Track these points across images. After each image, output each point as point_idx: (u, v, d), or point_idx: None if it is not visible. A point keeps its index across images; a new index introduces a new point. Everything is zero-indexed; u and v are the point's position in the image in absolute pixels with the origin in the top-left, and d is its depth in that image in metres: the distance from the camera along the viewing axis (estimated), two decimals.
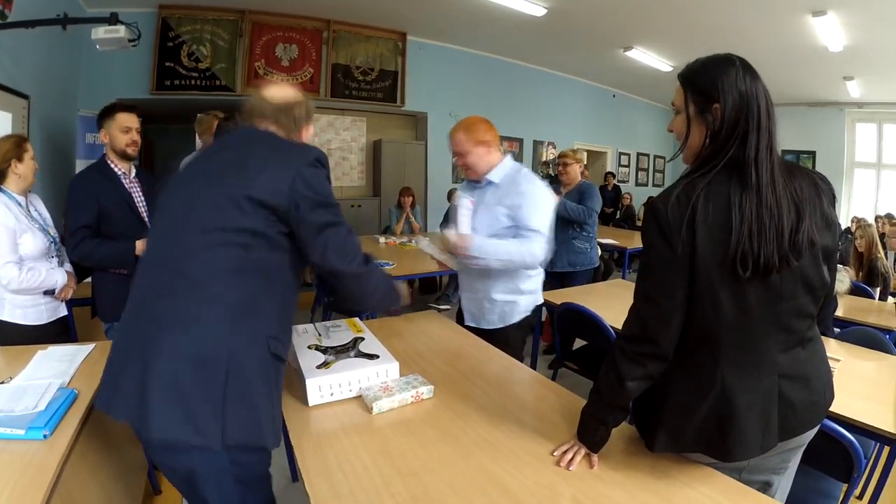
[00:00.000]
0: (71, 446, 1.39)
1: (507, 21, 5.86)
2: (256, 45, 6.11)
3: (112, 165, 2.38)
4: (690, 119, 1.11)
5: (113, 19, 3.10)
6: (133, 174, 2.47)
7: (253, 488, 1.28)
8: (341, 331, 1.98)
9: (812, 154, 9.38)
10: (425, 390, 1.58)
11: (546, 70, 8.30)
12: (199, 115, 3.53)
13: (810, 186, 1.07)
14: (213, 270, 1.21)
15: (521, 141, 8.49)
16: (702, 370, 1.10)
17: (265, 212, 1.23)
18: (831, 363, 1.81)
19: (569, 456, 1.23)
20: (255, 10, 6.00)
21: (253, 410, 1.19)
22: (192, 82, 5.84)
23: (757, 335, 1.06)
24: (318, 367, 1.63)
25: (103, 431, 1.71)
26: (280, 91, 1.47)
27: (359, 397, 1.57)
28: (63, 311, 2.30)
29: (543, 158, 8.87)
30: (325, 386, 1.55)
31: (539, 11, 5.46)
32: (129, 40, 3.15)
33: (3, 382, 1.63)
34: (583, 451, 1.24)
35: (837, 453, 1.42)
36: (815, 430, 1.18)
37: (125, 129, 2.38)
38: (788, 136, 9.50)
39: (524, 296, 2.25)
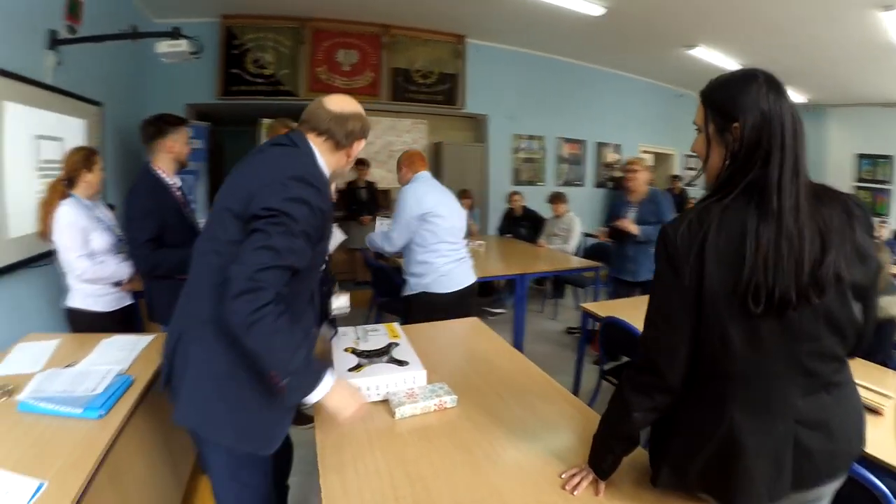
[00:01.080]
0: (122, 427, 1.54)
1: (564, 21, 5.75)
2: (318, 52, 6.32)
3: (163, 177, 2.50)
4: (710, 139, 1.05)
5: (175, 34, 3.27)
6: (179, 183, 2.63)
7: (242, 480, 1.45)
8: (379, 335, 2.05)
9: (889, 158, 8.61)
10: (449, 399, 1.61)
11: (607, 69, 8.05)
12: (268, 120, 3.73)
13: (841, 214, 0.97)
14: (202, 278, 1.35)
15: (583, 143, 8.29)
16: (710, 407, 1.04)
17: (239, 222, 1.28)
18: (882, 400, 1.71)
19: (575, 480, 1.21)
20: (314, 17, 6.21)
21: (219, 409, 1.32)
22: (258, 88, 6.13)
23: (771, 376, 0.98)
24: (350, 369, 1.71)
25: (156, 415, 1.87)
26: (341, 102, 1.49)
27: (385, 401, 1.62)
28: (128, 301, 2.53)
29: (607, 161, 8.66)
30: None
31: (597, 11, 5.34)
32: (192, 53, 3.32)
33: (68, 366, 1.81)
34: (591, 476, 1.22)
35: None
36: (839, 482, 1.08)
37: (188, 141, 2.59)
38: (860, 140, 8.86)
39: (412, 277, 2.91)
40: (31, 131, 3.00)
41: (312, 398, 1.23)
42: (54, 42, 3.29)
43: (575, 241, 5.48)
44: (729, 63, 6.80)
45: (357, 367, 1.73)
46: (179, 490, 2.16)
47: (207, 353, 1.30)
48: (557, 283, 5.81)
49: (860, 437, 1.07)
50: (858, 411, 1.08)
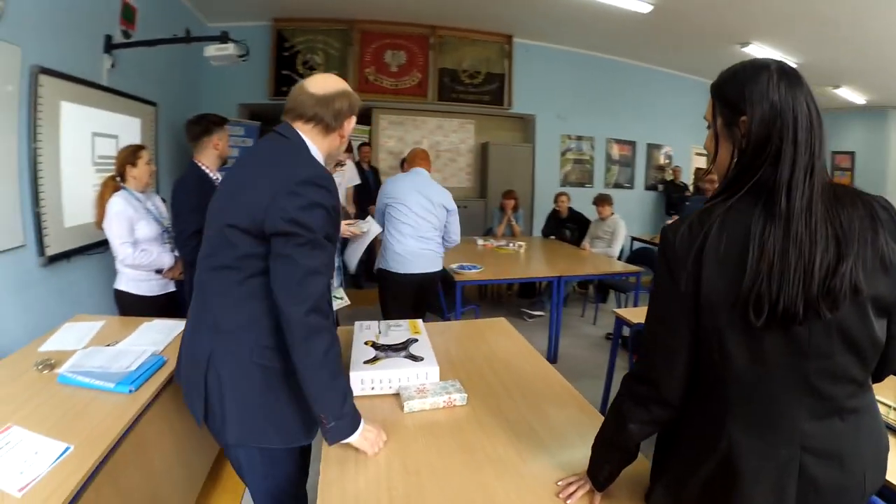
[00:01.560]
0: (150, 402, 1.65)
1: (612, 18, 5.64)
2: (366, 53, 6.47)
3: (208, 172, 2.67)
4: (718, 134, 0.97)
5: (224, 38, 3.43)
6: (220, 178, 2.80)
7: (276, 477, 1.46)
8: (400, 330, 2.08)
9: None
10: (459, 397, 1.62)
11: (657, 68, 7.81)
12: None
13: (864, 218, 0.85)
14: (223, 294, 1.34)
15: (633, 144, 8.08)
16: (709, 424, 0.95)
17: (248, 237, 1.26)
18: None
19: (571, 489, 1.18)
20: (362, 19, 6.36)
21: (262, 417, 1.34)
22: None
23: (773, 394, 0.89)
24: (366, 361, 1.74)
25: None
26: (323, 82, 1.41)
27: (397, 394, 1.65)
28: (171, 288, 2.72)
29: (660, 163, 8.41)
30: (367, 380, 1.66)
31: (645, 8, 5.21)
32: (239, 56, 3.47)
33: (108, 345, 1.95)
34: (587, 487, 1.18)
35: None
36: None
37: (228, 139, 2.78)
38: None
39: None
40: (87, 129, 3.24)
41: (348, 440, 1.31)
42: (109, 46, 3.51)
43: (619, 244, 5.35)
44: (785, 61, 6.47)
45: (373, 360, 1.76)
46: (203, 471, 2.28)
47: (242, 366, 1.30)
48: (601, 288, 5.70)
49: (880, 471, 0.96)
50: (879, 442, 0.96)
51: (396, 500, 1.15)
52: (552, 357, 4.23)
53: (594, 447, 1.16)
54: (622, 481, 1.18)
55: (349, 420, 1.30)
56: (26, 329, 2.56)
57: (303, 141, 1.39)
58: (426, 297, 3.37)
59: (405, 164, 3.53)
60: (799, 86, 0.88)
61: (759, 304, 0.83)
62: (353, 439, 1.31)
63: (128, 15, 3.83)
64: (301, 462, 1.56)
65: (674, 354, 0.96)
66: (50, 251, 2.90)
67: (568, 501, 1.16)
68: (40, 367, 1.76)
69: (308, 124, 1.39)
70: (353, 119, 1.45)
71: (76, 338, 2.05)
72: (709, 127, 1.00)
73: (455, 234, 3.35)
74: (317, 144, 1.41)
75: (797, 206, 0.83)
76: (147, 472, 1.70)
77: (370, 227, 2.86)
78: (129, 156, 2.55)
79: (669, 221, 3.62)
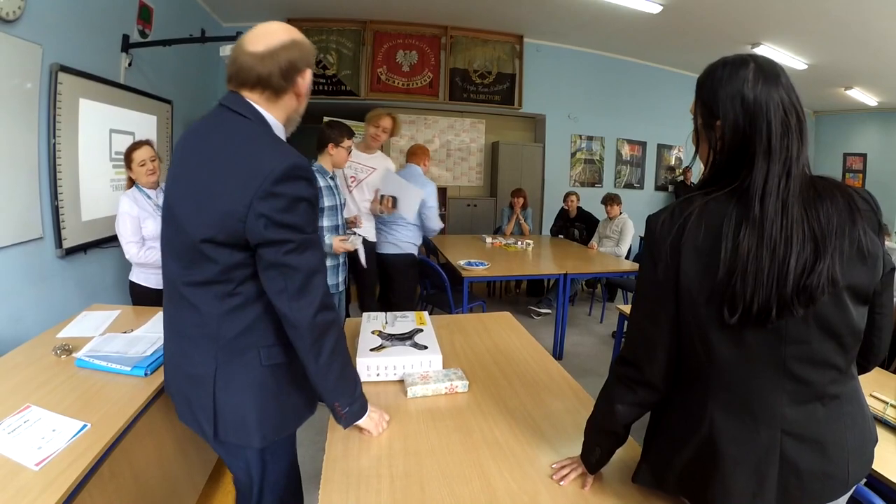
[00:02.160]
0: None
1: (622, 18, 5.66)
2: (378, 53, 6.55)
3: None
4: (698, 132, 0.97)
5: (238, 38, 3.50)
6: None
7: (274, 471, 1.44)
8: (406, 321, 2.13)
9: None
10: (460, 384, 1.66)
11: (668, 69, 7.80)
12: (329, 119, 4.03)
13: (843, 211, 0.85)
14: (211, 308, 1.21)
15: (643, 144, 8.07)
16: (691, 407, 0.97)
17: (228, 248, 1.15)
18: None
19: (564, 472, 1.21)
20: (375, 19, 6.43)
21: (266, 414, 1.30)
22: (320, 88, 6.43)
23: (753, 378, 0.90)
24: (372, 349, 1.79)
25: None
26: (264, 35, 1.18)
27: (401, 381, 1.69)
28: None
29: (670, 163, 8.38)
30: (373, 367, 1.71)
31: (655, 8, 5.23)
32: None
33: (125, 332, 2.01)
34: (580, 469, 1.20)
35: None
36: None
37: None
38: None
39: None
40: (104, 125, 3.33)
41: (359, 422, 1.35)
42: (127, 45, 3.60)
43: (627, 243, 5.36)
44: (796, 62, 6.43)
45: (379, 348, 1.80)
46: (213, 454, 2.34)
47: (254, 373, 1.25)
48: (609, 286, 5.71)
49: (864, 460, 0.96)
50: (864, 430, 0.96)
51: (396, 478, 1.19)
52: (558, 354, 4.26)
53: (586, 431, 1.19)
54: (614, 465, 1.22)
55: (361, 403, 1.34)
56: (44, 318, 2.65)
57: (260, 115, 1.19)
58: (392, 277, 3.82)
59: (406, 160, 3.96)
60: (776, 86, 0.86)
61: (732, 303, 0.85)
62: (363, 421, 1.35)
63: (145, 15, 3.93)
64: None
65: (655, 339, 0.97)
66: (67, 244, 3.00)
67: (561, 483, 1.19)
68: (58, 351, 1.83)
69: (254, 91, 1.19)
70: (309, 72, 1.23)
71: (93, 325, 2.12)
72: (694, 120, 1.00)
73: (430, 222, 3.70)
74: (273, 114, 1.22)
75: (770, 210, 0.84)
76: (159, 452, 1.76)
77: (358, 243, 2.96)
78: (125, 159, 2.62)
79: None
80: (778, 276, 0.83)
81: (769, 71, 0.88)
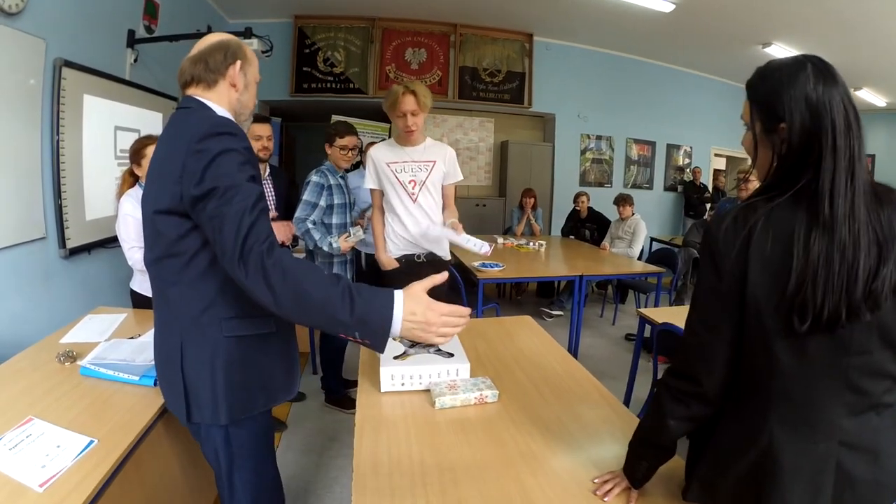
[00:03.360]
0: None
1: (633, 17, 5.61)
2: (387, 50, 6.48)
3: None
4: (756, 138, 0.95)
5: (247, 33, 3.44)
6: (267, 173, 2.83)
7: (242, 455, 1.36)
8: None
9: None
10: (490, 394, 1.58)
11: (679, 68, 7.71)
12: (337, 117, 3.91)
13: None
14: (174, 283, 1.24)
15: (653, 144, 7.97)
16: (749, 421, 0.95)
17: (175, 217, 1.17)
18: None
19: (607, 487, 1.16)
20: (384, 17, 6.37)
21: (245, 386, 1.29)
22: (328, 85, 6.36)
23: (815, 391, 0.89)
24: (396, 357, 1.70)
25: None
26: (198, 45, 1.35)
27: (428, 391, 1.61)
28: None
29: (679, 163, 8.29)
30: (398, 376, 1.63)
31: (667, 7, 5.18)
32: (263, 52, 3.47)
33: (132, 338, 1.91)
34: (624, 484, 1.16)
35: None
36: None
37: (256, 138, 2.75)
38: None
39: None
40: (109, 122, 3.25)
41: (398, 336, 1.05)
42: (132, 41, 3.52)
43: (639, 244, 5.28)
44: (820, 57, 6.37)
45: (403, 355, 1.72)
46: None
47: (218, 345, 1.23)
48: (620, 288, 5.62)
49: None
50: None
51: (433, 496, 1.11)
52: (573, 356, 4.15)
53: (631, 444, 1.15)
54: (657, 479, 1.15)
55: (375, 317, 1.02)
56: (47, 320, 2.56)
57: (201, 103, 1.29)
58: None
59: None
60: (835, 85, 0.86)
61: (803, 310, 0.83)
62: (398, 331, 1.03)
63: (150, 10, 3.86)
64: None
65: (715, 350, 0.95)
66: (71, 244, 2.91)
67: (605, 499, 1.14)
68: (62, 358, 1.73)
69: (191, 87, 1.31)
70: (239, 63, 1.32)
71: (98, 330, 2.02)
72: (746, 126, 0.98)
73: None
74: (213, 100, 1.30)
75: (840, 212, 0.83)
76: (170, 466, 1.66)
77: (358, 232, 2.86)
78: (133, 154, 2.39)
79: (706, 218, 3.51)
80: (848, 281, 0.82)
81: (827, 71, 0.88)
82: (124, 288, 2.51)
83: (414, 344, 1.81)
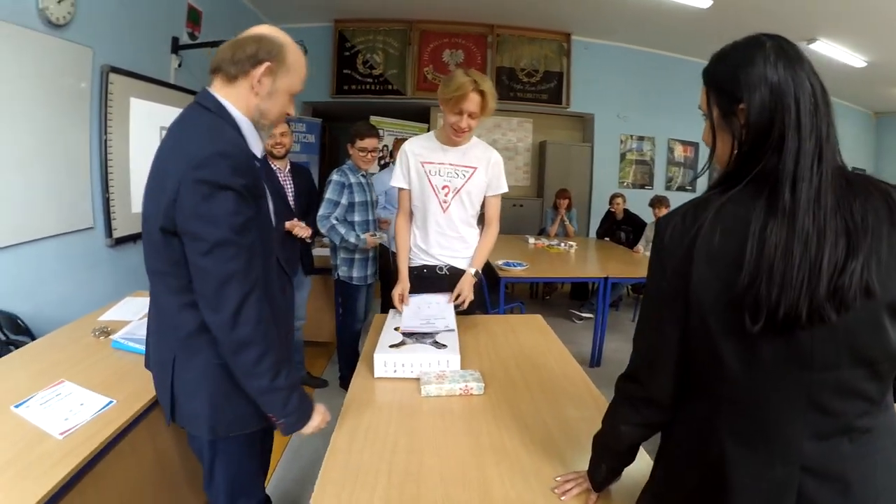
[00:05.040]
0: None
1: (672, 14, 5.50)
2: (424, 52, 6.62)
3: (270, 162, 2.89)
4: (714, 125, 0.88)
5: None
6: (287, 169, 2.98)
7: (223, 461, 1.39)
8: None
9: None
10: (476, 386, 1.63)
11: None
12: (376, 118, 4.07)
13: (881, 209, 0.76)
14: (169, 298, 1.23)
15: (696, 145, 7.75)
16: (698, 431, 0.88)
17: (173, 239, 1.14)
18: None
19: (568, 486, 1.15)
20: (422, 19, 6.49)
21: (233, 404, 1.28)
22: (367, 87, 6.56)
23: (770, 406, 0.80)
24: (392, 346, 1.80)
25: None
26: (248, 30, 1.24)
27: (417, 379, 1.68)
28: None
29: None
30: (390, 363, 1.72)
31: (705, 3, 5.08)
32: None
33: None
34: (585, 485, 1.14)
35: None
36: None
37: (269, 135, 2.93)
38: None
39: None
40: (155, 123, 3.51)
41: (301, 431, 1.31)
42: (176, 47, 3.76)
43: None
44: (854, 59, 6.04)
45: (399, 345, 1.81)
46: None
47: (207, 369, 1.23)
48: None
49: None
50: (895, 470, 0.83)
51: (394, 475, 1.19)
52: (596, 360, 4.15)
53: (593, 446, 1.12)
54: (621, 484, 1.15)
55: (296, 416, 1.27)
56: (90, 302, 2.77)
57: (219, 103, 1.21)
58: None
59: None
60: (799, 63, 0.79)
61: (756, 308, 0.75)
62: (306, 431, 1.31)
63: (193, 17, 4.10)
64: (261, 449, 1.57)
65: (660, 353, 0.90)
66: (117, 234, 3.18)
67: (563, 497, 1.13)
68: (97, 333, 1.93)
69: (215, 77, 1.23)
70: (268, 66, 1.20)
71: (133, 310, 2.22)
72: (704, 116, 0.92)
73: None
74: (231, 101, 1.22)
75: (803, 197, 0.74)
76: (180, 433, 1.81)
77: (383, 234, 3.04)
78: None
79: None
80: (810, 275, 0.73)
81: (790, 49, 0.81)
82: None
83: (412, 334, 1.90)
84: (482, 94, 2.02)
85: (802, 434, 0.79)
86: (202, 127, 1.16)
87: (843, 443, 0.79)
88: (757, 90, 0.79)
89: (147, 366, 1.42)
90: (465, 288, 2.18)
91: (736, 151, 0.84)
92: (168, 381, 1.26)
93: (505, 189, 2.33)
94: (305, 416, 1.30)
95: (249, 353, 1.15)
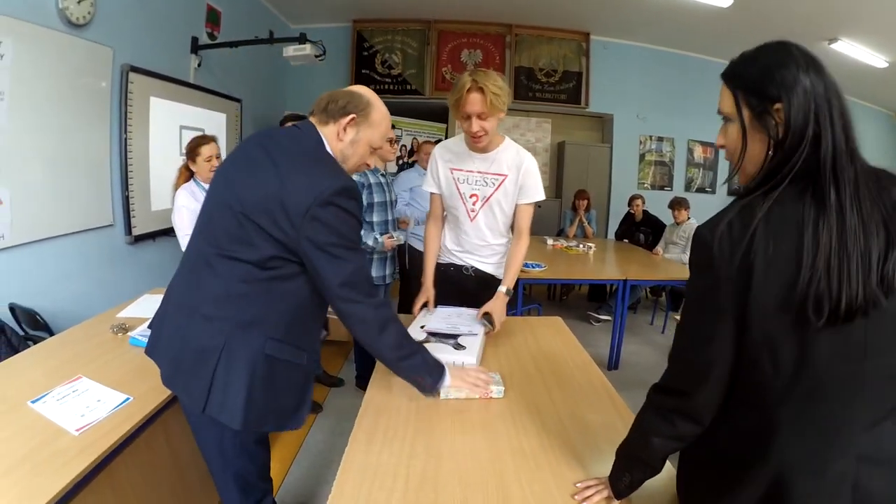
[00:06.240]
0: None
1: (692, 14, 5.43)
2: (443, 52, 6.62)
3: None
4: (746, 127, 0.87)
5: (302, 39, 3.61)
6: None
7: (237, 454, 1.44)
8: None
9: None
10: (496, 390, 1.60)
11: None
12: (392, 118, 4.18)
13: None
14: (229, 285, 1.29)
15: (716, 147, 7.62)
16: (752, 441, 0.86)
17: (277, 245, 1.25)
18: None
19: (588, 493, 1.12)
20: (440, 19, 6.50)
21: (266, 402, 1.32)
22: (386, 87, 6.57)
23: (831, 401, 0.81)
24: None
25: None
26: (346, 88, 1.45)
27: None
28: None
29: None
30: None
31: (726, 2, 5.00)
32: (316, 56, 3.62)
33: None
34: (606, 492, 1.11)
35: None
36: None
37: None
38: None
39: None
40: (175, 122, 3.55)
41: (446, 385, 1.52)
42: (196, 47, 3.79)
43: None
44: (876, 59, 5.90)
45: (422, 343, 1.78)
46: None
47: (255, 358, 1.28)
48: (673, 296, 5.44)
49: None
50: None
51: (412, 478, 1.16)
52: (614, 363, 4.09)
53: (617, 454, 1.10)
54: (641, 491, 1.12)
55: (438, 371, 1.50)
56: (110, 298, 2.81)
57: (319, 136, 1.39)
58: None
59: None
60: (824, 72, 0.83)
61: (819, 304, 0.76)
62: (447, 383, 1.52)
63: (213, 18, 4.14)
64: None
65: (710, 366, 0.87)
66: (136, 231, 3.20)
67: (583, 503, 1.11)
68: (115, 329, 1.93)
69: (315, 114, 1.42)
70: (352, 118, 1.39)
71: (152, 308, 2.19)
72: (726, 121, 0.91)
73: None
74: (326, 137, 1.39)
75: (847, 193, 0.78)
76: None
77: (401, 235, 3.03)
78: (189, 152, 2.61)
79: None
80: (863, 267, 0.76)
81: (815, 58, 0.84)
82: None
83: (438, 336, 1.88)
84: (482, 90, 1.87)
85: (859, 424, 0.81)
86: (322, 155, 1.37)
87: (886, 426, 0.82)
88: (794, 90, 0.81)
89: (150, 353, 1.41)
90: (498, 310, 2.04)
91: (771, 152, 0.85)
92: (210, 368, 1.25)
93: (540, 197, 2.16)
94: (440, 368, 1.51)
95: (395, 326, 1.39)
